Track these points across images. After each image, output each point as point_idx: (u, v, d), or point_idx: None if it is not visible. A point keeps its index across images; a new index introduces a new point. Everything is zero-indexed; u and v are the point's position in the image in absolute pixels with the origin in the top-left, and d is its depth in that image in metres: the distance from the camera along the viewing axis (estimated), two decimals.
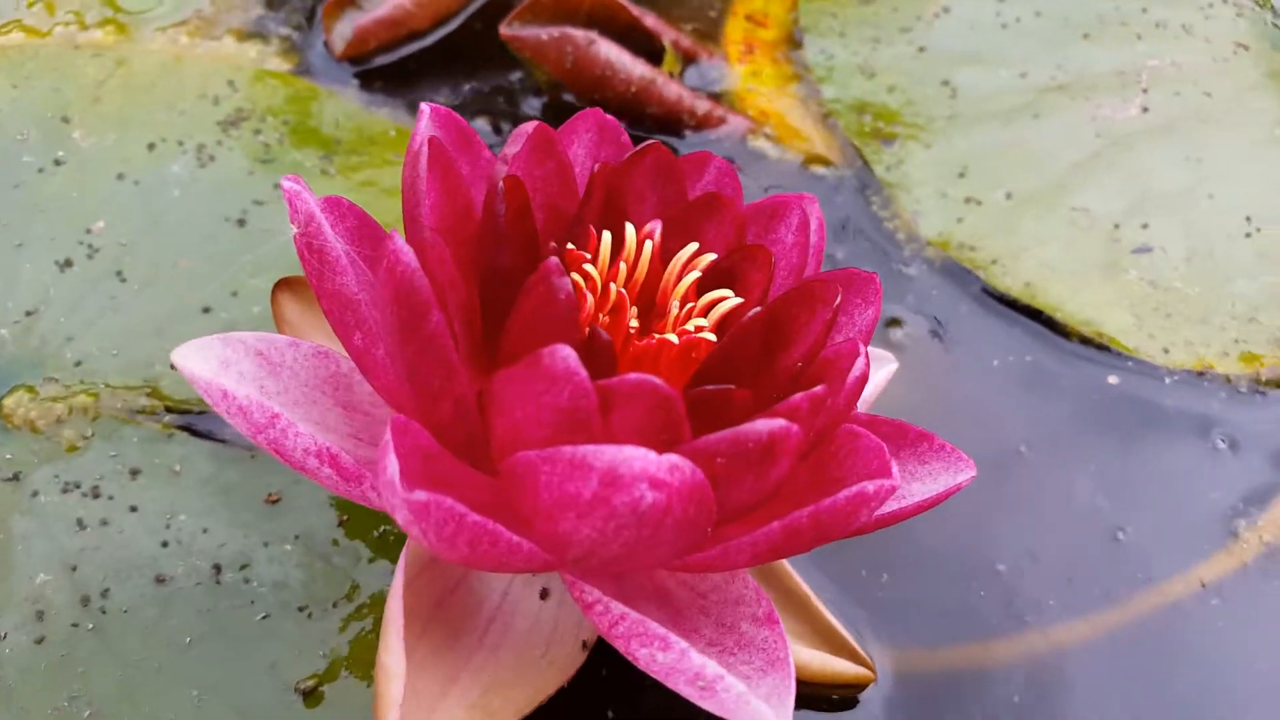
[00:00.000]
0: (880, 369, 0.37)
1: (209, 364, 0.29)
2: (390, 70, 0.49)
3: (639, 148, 0.33)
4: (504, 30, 0.47)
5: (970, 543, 0.38)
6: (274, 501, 0.36)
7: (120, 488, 0.36)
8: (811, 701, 0.34)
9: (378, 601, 0.34)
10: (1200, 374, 0.42)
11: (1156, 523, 0.39)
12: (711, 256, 0.32)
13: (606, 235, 0.31)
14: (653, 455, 0.24)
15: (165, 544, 0.35)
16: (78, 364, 0.39)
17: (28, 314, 0.40)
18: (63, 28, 0.49)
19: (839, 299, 0.30)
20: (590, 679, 0.33)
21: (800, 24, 0.53)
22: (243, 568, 0.35)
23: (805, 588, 0.34)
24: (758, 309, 0.30)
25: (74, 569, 0.34)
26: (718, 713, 0.27)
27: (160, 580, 0.34)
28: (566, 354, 0.25)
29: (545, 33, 0.46)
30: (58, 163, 0.44)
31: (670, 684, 0.27)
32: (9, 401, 0.38)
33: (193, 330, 0.39)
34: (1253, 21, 0.54)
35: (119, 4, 0.49)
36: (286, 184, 0.30)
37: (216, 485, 0.36)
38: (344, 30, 0.48)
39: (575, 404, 0.25)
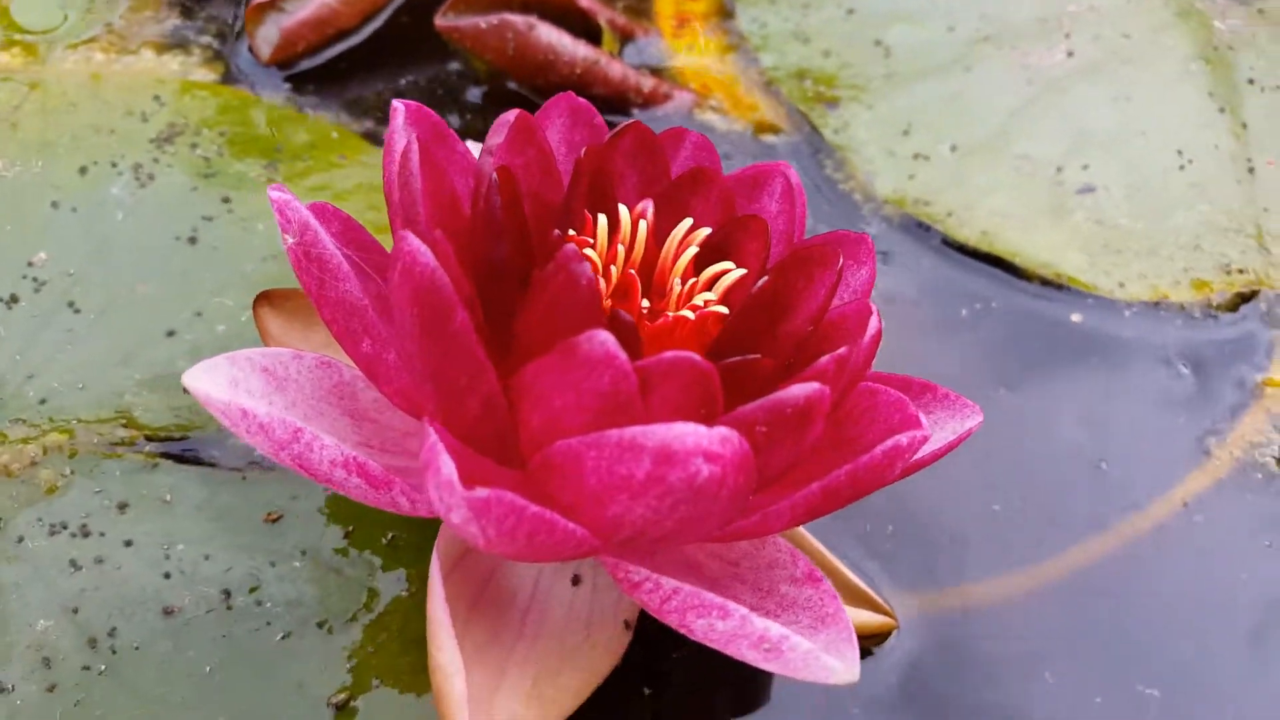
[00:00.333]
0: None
1: (220, 384, 0.29)
2: (321, 71, 0.49)
3: (618, 128, 0.34)
4: (440, 22, 0.48)
5: (964, 488, 0.40)
6: (274, 520, 0.37)
7: (110, 523, 0.36)
8: None
9: (397, 607, 0.35)
10: (1156, 304, 0.45)
11: (1134, 450, 0.42)
12: (705, 231, 0.33)
13: (602, 219, 0.33)
14: (703, 429, 0.26)
15: (168, 575, 0.35)
16: (43, 402, 0.39)
17: None
18: None
19: (841, 262, 0.32)
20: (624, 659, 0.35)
21: None
22: (253, 590, 0.35)
23: (818, 544, 0.37)
24: (765, 278, 0.32)
25: (75, 611, 0.35)
26: (783, 673, 0.28)
27: (168, 612, 0.35)
28: (605, 338, 0.26)
29: (483, 21, 0.47)
30: None
31: (730, 651, 0.29)
32: None
33: (160, 355, 0.40)
34: None
35: (20, 24, 0.49)
36: (275, 194, 0.31)
37: (211, 510, 0.37)
38: (269, 34, 0.49)
39: (616, 387, 0.27)
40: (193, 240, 0.43)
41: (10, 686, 0.33)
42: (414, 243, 0.27)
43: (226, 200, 0.44)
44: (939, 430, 0.34)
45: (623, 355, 0.26)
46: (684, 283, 0.33)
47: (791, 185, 0.35)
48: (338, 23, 0.49)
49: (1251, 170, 0.50)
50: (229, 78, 0.48)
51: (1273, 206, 0.49)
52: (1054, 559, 0.39)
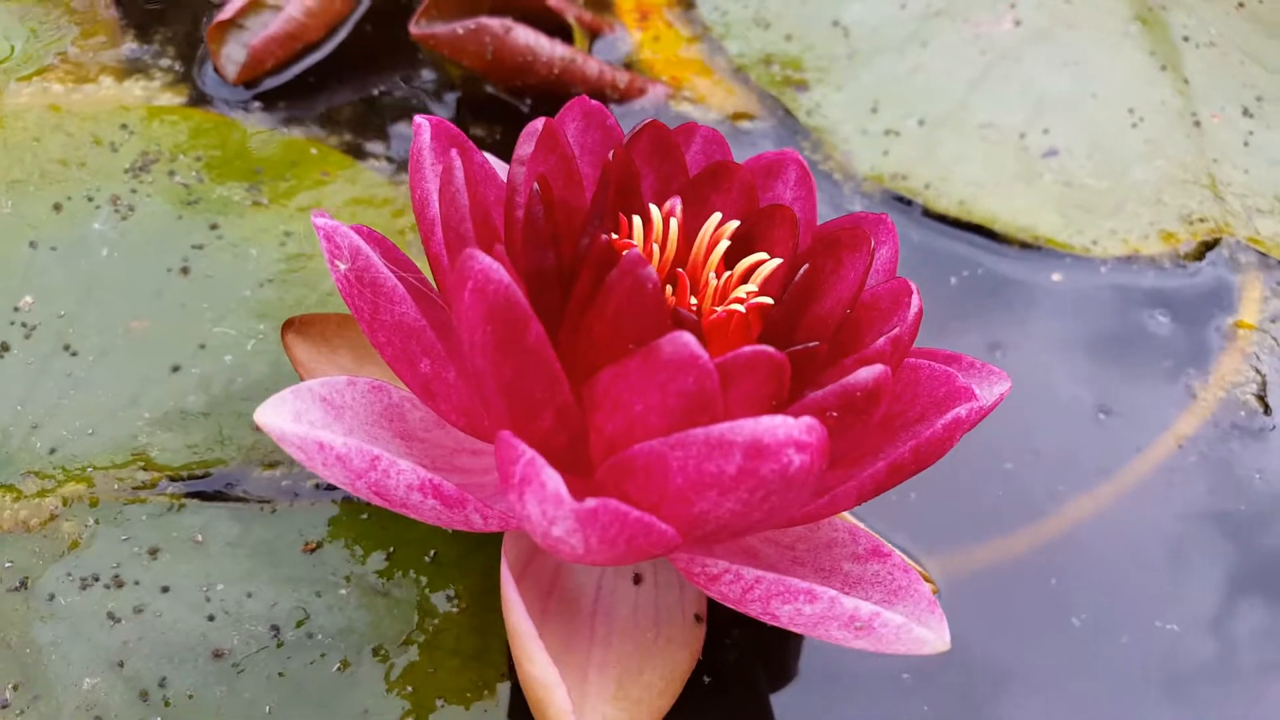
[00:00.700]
0: None
1: (287, 418, 0.28)
2: (291, 87, 0.48)
3: (636, 129, 0.34)
4: (415, 30, 0.47)
5: (976, 450, 0.41)
6: (313, 549, 0.36)
7: (143, 570, 0.35)
8: None
9: (450, 625, 0.35)
10: (1129, 259, 0.47)
11: (1127, 399, 0.43)
12: (734, 224, 0.33)
13: (637, 220, 0.32)
14: (791, 420, 0.26)
15: (211, 617, 0.34)
16: (53, 451, 0.37)
17: None
18: None
19: (873, 244, 0.32)
20: None
21: None
22: (301, 623, 0.34)
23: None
24: (806, 266, 0.32)
25: (121, 665, 0.33)
26: (874, 649, 0.29)
27: (218, 655, 0.34)
28: (687, 339, 0.26)
29: (460, 26, 0.46)
30: None
31: (818, 634, 0.29)
32: None
33: (168, 392, 0.38)
34: None
35: None
36: (320, 221, 0.30)
37: (246, 546, 0.36)
38: (234, 54, 0.47)
39: (701, 386, 0.27)
40: (185, 270, 0.41)
41: None
42: (485, 261, 0.26)
43: (214, 227, 0.43)
44: None
45: (705, 355, 0.26)
46: (718, 276, 0.33)
47: (805, 172, 0.36)
48: (305, 36, 0.48)
49: (1198, 124, 0.51)
50: (196, 100, 0.47)
51: (1222, 157, 0.50)
52: (1068, 508, 0.40)
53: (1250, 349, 0.45)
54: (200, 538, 0.36)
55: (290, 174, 0.45)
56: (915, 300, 0.31)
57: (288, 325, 0.36)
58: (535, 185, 0.31)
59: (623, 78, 0.49)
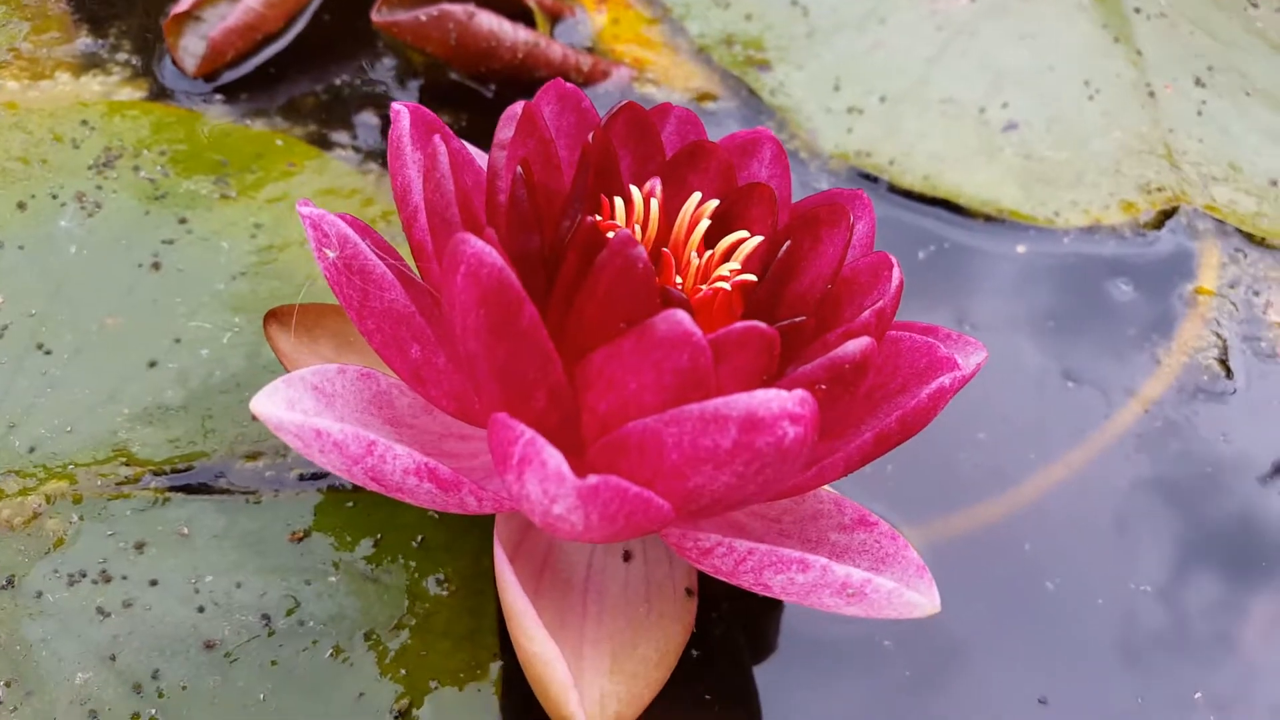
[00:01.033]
0: None
1: (280, 406, 0.29)
2: (252, 79, 0.48)
3: (613, 110, 0.35)
4: (376, 18, 0.47)
5: (950, 421, 0.42)
6: (300, 539, 0.37)
7: (130, 565, 0.36)
8: None
9: (439, 607, 0.36)
10: (1091, 229, 0.49)
11: (1094, 366, 0.45)
12: (714, 204, 0.34)
13: (619, 201, 0.33)
14: (784, 394, 0.27)
15: (201, 609, 0.35)
16: (32, 450, 0.37)
17: None
18: None
19: (852, 219, 0.33)
20: None
21: None
22: (292, 611, 0.35)
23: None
24: (789, 243, 0.33)
25: (113, 659, 0.34)
26: (866, 615, 0.30)
27: (210, 646, 0.34)
28: (681, 317, 0.27)
29: (423, 14, 0.46)
30: None
31: (810, 602, 0.30)
32: None
33: (146, 387, 0.39)
34: None
35: None
36: (305, 210, 0.31)
37: (233, 537, 0.36)
38: (193, 46, 0.47)
39: (695, 363, 0.28)
40: (156, 266, 0.42)
41: None
42: (477, 245, 0.27)
43: (184, 221, 0.43)
44: None
45: (699, 332, 0.27)
46: (700, 255, 0.34)
47: (780, 150, 0.37)
48: (264, 27, 0.48)
49: (1152, 94, 0.53)
50: (156, 94, 0.47)
51: (1177, 127, 0.52)
52: (1039, 475, 0.42)
53: (1211, 314, 0.47)
54: (186, 530, 0.36)
55: (256, 166, 0.45)
56: (896, 274, 0.32)
57: (270, 316, 0.36)
58: (519, 169, 0.31)
59: (586, 61, 0.50)
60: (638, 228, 0.34)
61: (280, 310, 0.36)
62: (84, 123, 0.46)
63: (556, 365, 0.29)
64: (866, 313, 0.31)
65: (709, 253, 0.34)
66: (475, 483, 0.30)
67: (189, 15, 0.47)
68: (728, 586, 0.32)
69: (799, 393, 0.27)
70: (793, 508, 0.35)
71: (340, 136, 0.47)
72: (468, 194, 0.33)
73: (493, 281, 0.27)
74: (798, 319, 0.31)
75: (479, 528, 0.37)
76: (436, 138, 0.31)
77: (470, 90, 0.50)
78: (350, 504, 0.37)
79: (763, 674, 0.37)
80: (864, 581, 0.29)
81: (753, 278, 0.33)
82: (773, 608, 0.38)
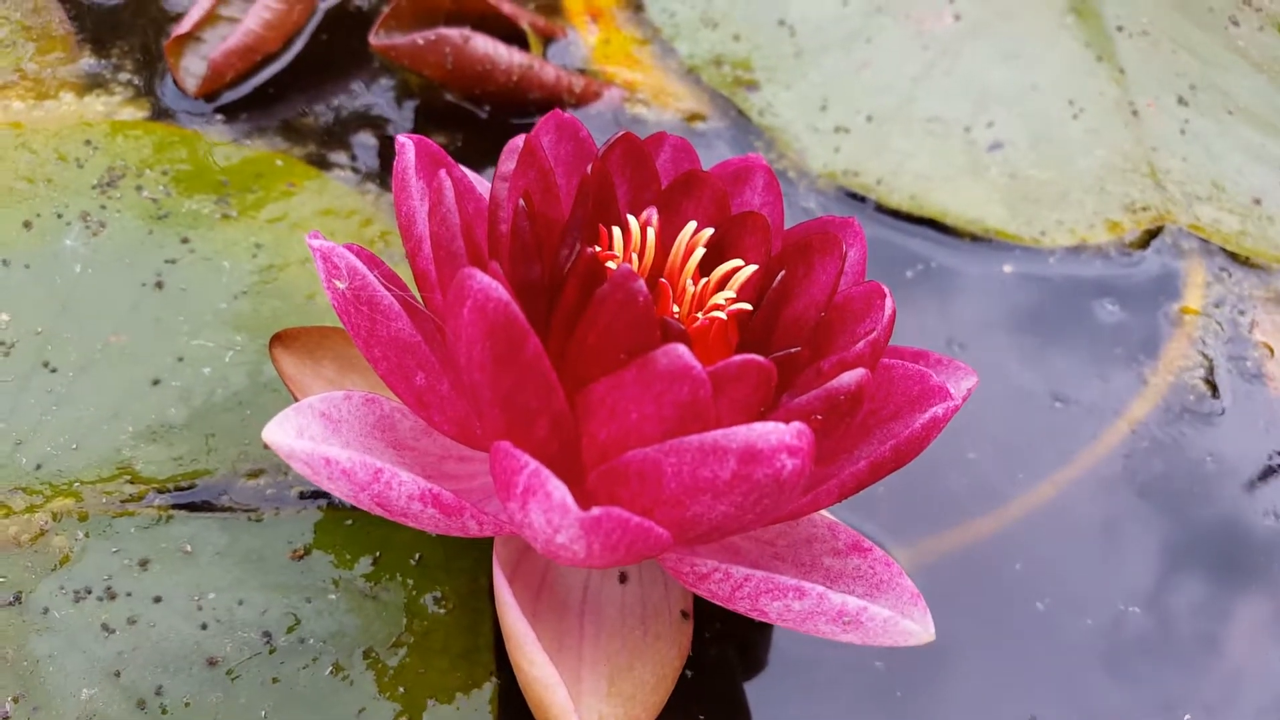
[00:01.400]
0: None
1: (291, 434, 0.30)
2: (252, 99, 0.49)
3: (610, 141, 0.36)
4: (375, 41, 0.48)
5: (939, 440, 0.42)
6: (301, 556, 0.38)
7: (135, 582, 0.36)
8: None
9: (438, 626, 0.37)
10: (1077, 249, 0.50)
11: (1081, 386, 0.46)
12: (709, 232, 0.35)
13: (617, 231, 0.34)
14: (783, 426, 0.28)
15: (204, 626, 0.36)
16: (39, 467, 0.38)
17: None
18: None
19: (845, 248, 0.34)
20: None
21: None
22: (292, 628, 0.36)
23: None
24: (784, 272, 0.34)
25: (117, 675, 0.35)
26: (860, 642, 0.31)
27: (212, 663, 0.35)
28: (681, 351, 0.28)
29: (420, 37, 0.47)
30: None
31: (805, 628, 0.31)
32: None
33: (150, 405, 0.40)
34: None
35: None
36: (315, 243, 0.32)
37: (235, 555, 0.37)
38: (194, 67, 0.48)
39: (695, 396, 0.28)
40: (159, 285, 0.43)
41: None
42: (483, 280, 0.28)
43: (186, 240, 0.44)
44: None
45: (699, 366, 0.28)
46: (695, 284, 0.35)
47: (772, 178, 0.38)
48: (264, 48, 0.49)
49: (1135, 113, 0.54)
50: (157, 114, 0.48)
51: (1160, 145, 0.53)
52: (1029, 494, 0.43)
53: (1196, 334, 0.48)
54: (189, 548, 0.37)
55: (257, 185, 0.46)
56: (889, 304, 0.33)
57: (275, 340, 0.37)
58: (521, 202, 0.32)
59: (578, 82, 0.51)
60: (635, 257, 0.35)
61: (285, 333, 0.37)
62: (87, 142, 0.46)
63: (559, 395, 0.29)
64: (861, 343, 0.32)
65: (704, 280, 0.35)
66: (477, 507, 0.31)
67: (190, 36, 0.48)
68: (721, 607, 0.33)
69: (796, 425, 0.28)
70: (787, 531, 0.36)
71: (339, 157, 0.48)
72: (470, 223, 0.34)
73: (499, 316, 0.28)
74: (793, 350, 0.32)
75: (476, 547, 0.38)
76: (443, 173, 0.32)
77: (465, 111, 0.51)
78: (349, 521, 0.38)
79: (755, 693, 0.38)
80: (859, 610, 0.30)
81: (748, 307, 0.34)
82: (765, 628, 0.39)
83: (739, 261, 0.35)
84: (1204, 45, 0.58)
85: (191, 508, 0.38)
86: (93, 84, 0.49)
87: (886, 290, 0.33)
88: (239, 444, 0.39)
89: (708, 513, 0.29)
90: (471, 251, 0.33)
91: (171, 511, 0.38)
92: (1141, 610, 0.41)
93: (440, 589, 0.37)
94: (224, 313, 0.42)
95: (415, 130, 0.49)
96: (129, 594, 0.36)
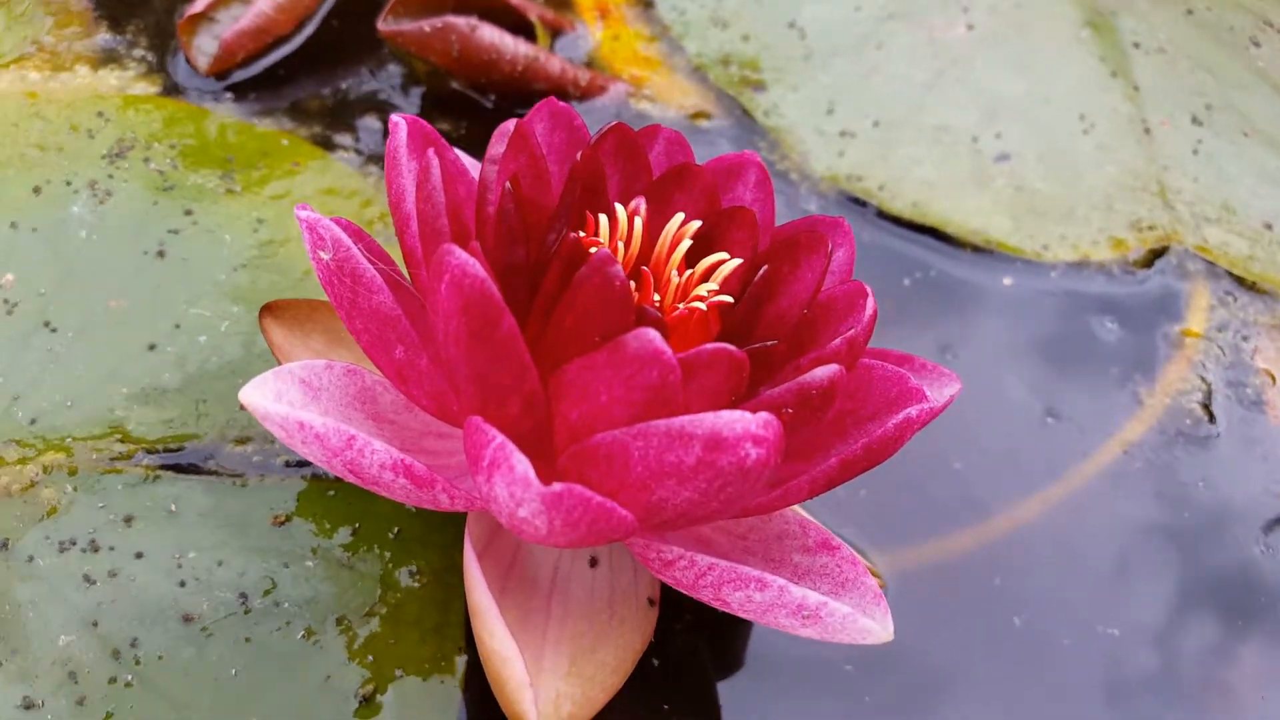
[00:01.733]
0: None
1: (269, 398, 0.32)
2: (261, 79, 0.52)
3: (602, 130, 0.38)
4: (382, 27, 0.50)
5: (926, 449, 0.44)
6: (282, 523, 0.39)
7: (119, 537, 0.38)
8: None
9: (411, 598, 0.38)
10: (1079, 265, 0.51)
11: (1075, 403, 0.47)
12: (696, 224, 0.36)
13: (604, 219, 0.36)
14: (749, 415, 0.29)
15: (183, 583, 0.38)
16: (33, 421, 0.40)
17: None
18: None
19: (831, 247, 0.36)
20: None
21: None
22: (268, 592, 0.38)
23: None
24: (766, 267, 0.36)
25: (95, 624, 0.37)
26: (819, 638, 0.32)
27: (188, 619, 0.37)
28: (652, 336, 0.29)
29: (427, 25, 0.49)
30: None
31: (767, 620, 0.32)
32: None
33: (145, 369, 0.42)
34: None
35: None
36: (303, 214, 0.34)
37: (218, 517, 0.39)
38: (206, 46, 0.51)
39: (664, 380, 0.30)
40: (161, 254, 0.45)
41: (40, 702, 0.35)
42: (461, 256, 0.30)
43: (189, 213, 0.46)
44: None
45: (669, 351, 0.29)
46: (680, 274, 0.36)
47: (765, 175, 0.39)
48: (275, 30, 0.52)
49: (1148, 131, 0.56)
50: (169, 90, 0.50)
51: (1171, 164, 0.55)
52: (1014, 509, 0.44)
53: (1196, 357, 0.49)
54: (174, 508, 0.39)
55: (262, 163, 0.48)
56: (870, 303, 0.34)
57: (265, 310, 0.39)
58: (507, 184, 0.34)
59: (584, 76, 0.53)
60: (620, 245, 0.36)
61: (275, 304, 0.39)
62: (100, 114, 0.49)
63: (532, 374, 0.31)
64: (838, 340, 0.33)
65: (689, 272, 0.36)
66: (449, 481, 0.32)
67: (203, 16, 0.51)
68: (692, 599, 0.34)
69: (763, 415, 0.29)
70: (759, 526, 0.37)
71: (344, 139, 0.50)
72: (459, 204, 0.36)
73: (474, 292, 0.30)
74: (769, 343, 0.33)
75: (453, 524, 0.40)
76: (430, 151, 0.34)
77: (470, 99, 0.53)
78: (331, 492, 0.40)
79: (722, 687, 0.39)
80: (819, 605, 0.31)
81: (729, 299, 0.35)
82: (736, 623, 0.40)
83: (724, 255, 0.36)
84: (1222, 65, 0.59)
85: (179, 469, 0.40)
86: (107, 59, 0.51)
87: (868, 290, 0.35)
88: (229, 411, 0.41)
89: (672, 498, 0.30)
90: (457, 231, 0.35)
91: (159, 472, 0.40)
92: (1120, 633, 0.41)
93: (416, 563, 0.39)
94: (223, 284, 0.44)
95: (421, 117, 0.51)
96: (112, 548, 0.38)
